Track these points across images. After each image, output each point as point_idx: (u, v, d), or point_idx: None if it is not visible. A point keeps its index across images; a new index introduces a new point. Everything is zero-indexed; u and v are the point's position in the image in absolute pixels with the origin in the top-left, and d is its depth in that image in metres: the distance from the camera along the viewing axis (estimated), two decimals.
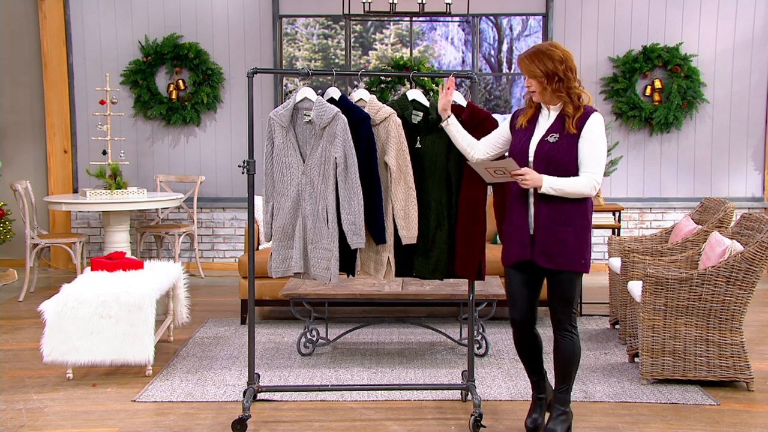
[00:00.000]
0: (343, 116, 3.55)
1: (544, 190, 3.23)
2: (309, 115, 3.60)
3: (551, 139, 3.27)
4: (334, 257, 3.59)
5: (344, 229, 3.57)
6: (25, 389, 4.23)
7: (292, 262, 3.66)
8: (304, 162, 3.62)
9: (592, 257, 3.34)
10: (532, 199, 3.31)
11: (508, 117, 3.58)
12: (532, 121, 3.37)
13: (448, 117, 3.57)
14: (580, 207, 3.30)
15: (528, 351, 3.54)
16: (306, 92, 3.63)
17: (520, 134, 3.38)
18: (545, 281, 3.42)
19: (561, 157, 3.24)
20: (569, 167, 3.24)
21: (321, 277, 3.64)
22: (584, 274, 3.41)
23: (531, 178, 3.23)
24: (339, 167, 3.54)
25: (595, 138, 3.24)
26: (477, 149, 3.54)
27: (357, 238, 3.56)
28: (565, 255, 3.27)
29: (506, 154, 3.51)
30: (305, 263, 3.67)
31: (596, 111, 3.29)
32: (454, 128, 3.57)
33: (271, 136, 3.65)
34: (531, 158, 3.30)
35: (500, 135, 3.51)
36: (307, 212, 3.61)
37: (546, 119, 3.34)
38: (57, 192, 7.70)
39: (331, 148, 3.56)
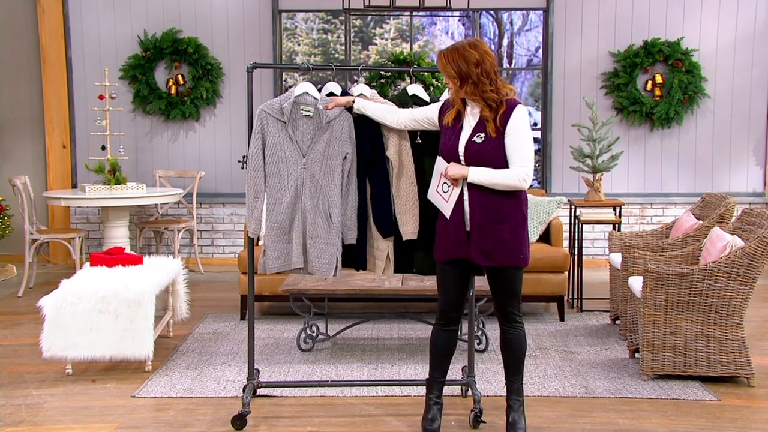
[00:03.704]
0: (349, 113, 3.58)
1: (470, 179, 3.23)
2: (307, 111, 3.58)
3: (478, 139, 3.26)
4: (338, 252, 3.59)
5: (342, 223, 3.58)
6: (25, 385, 4.22)
7: (292, 257, 3.62)
8: (304, 156, 3.60)
9: (530, 251, 3.36)
10: (466, 197, 3.29)
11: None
12: (459, 118, 3.34)
13: (352, 102, 3.57)
14: (515, 203, 3.28)
15: (444, 346, 3.50)
16: (306, 87, 3.61)
17: (449, 132, 3.36)
18: (486, 277, 3.40)
19: (490, 156, 3.23)
20: (499, 164, 3.23)
21: (322, 271, 3.63)
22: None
23: (453, 171, 3.26)
24: (347, 165, 3.55)
25: (519, 132, 3.22)
26: (398, 116, 3.54)
27: (351, 234, 3.61)
28: (503, 252, 3.26)
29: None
30: (305, 258, 3.65)
31: (519, 104, 3.27)
32: (362, 107, 3.57)
33: (262, 131, 3.58)
34: (462, 157, 3.29)
35: (427, 114, 3.50)
36: (308, 207, 3.59)
37: (472, 117, 3.31)
38: (56, 187, 7.69)
39: (338, 143, 3.56)
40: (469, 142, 3.27)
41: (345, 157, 3.57)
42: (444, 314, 3.46)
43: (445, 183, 3.33)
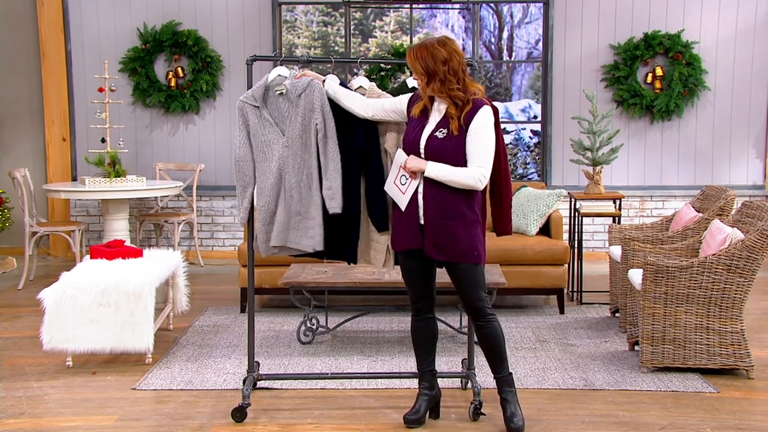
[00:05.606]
0: (319, 83, 3.51)
1: (427, 173, 3.25)
2: (280, 89, 3.54)
3: (440, 134, 3.28)
4: (318, 224, 3.56)
5: (323, 194, 3.53)
6: (25, 377, 4.23)
7: (271, 235, 3.60)
8: (284, 135, 3.58)
9: (486, 249, 3.41)
10: (421, 191, 3.31)
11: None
12: (426, 111, 3.35)
13: (323, 81, 3.50)
14: (469, 202, 3.30)
15: (424, 337, 3.54)
16: (278, 70, 3.60)
17: (414, 124, 3.37)
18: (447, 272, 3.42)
19: (449, 153, 3.25)
20: (458, 162, 3.26)
21: (305, 246, 3.58)
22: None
23: (411, 164, 3.28)
24: (319, 134, 3.51)
25: (482, 133, 3.24)
26: (366, 104, 3.49)
27: (333, 203, 3.51)
28: (457, 248, 3.29)
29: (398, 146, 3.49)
30: (286, 236, 3.60)
31: (486, 104, 3.28)
32: (332, 90, 3.50)
33: (244, 121, 3.59)
34: (422, 151, 3.30)
35: (396, 105, 3.47)
36: (292, 184, 3.56)
37: (438, 112, 3.33)
38: (56, 180, 7.68)
39: (311, 115, 3.52)
40: (431, 137, 3.29)
41: (316, 126, 3.54)
42: (414, 305, 3.53)
43: (403, 175, 3.35)
